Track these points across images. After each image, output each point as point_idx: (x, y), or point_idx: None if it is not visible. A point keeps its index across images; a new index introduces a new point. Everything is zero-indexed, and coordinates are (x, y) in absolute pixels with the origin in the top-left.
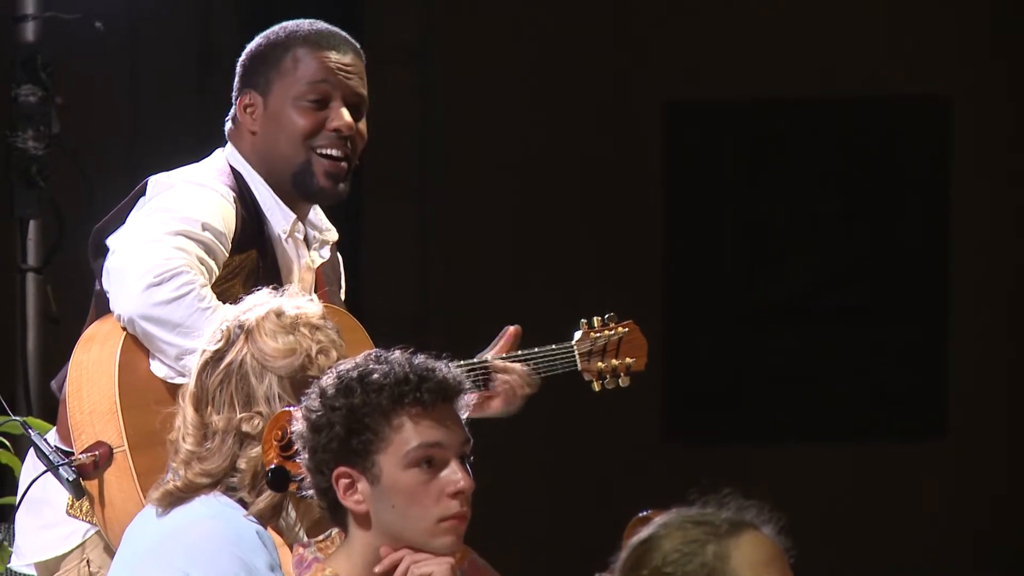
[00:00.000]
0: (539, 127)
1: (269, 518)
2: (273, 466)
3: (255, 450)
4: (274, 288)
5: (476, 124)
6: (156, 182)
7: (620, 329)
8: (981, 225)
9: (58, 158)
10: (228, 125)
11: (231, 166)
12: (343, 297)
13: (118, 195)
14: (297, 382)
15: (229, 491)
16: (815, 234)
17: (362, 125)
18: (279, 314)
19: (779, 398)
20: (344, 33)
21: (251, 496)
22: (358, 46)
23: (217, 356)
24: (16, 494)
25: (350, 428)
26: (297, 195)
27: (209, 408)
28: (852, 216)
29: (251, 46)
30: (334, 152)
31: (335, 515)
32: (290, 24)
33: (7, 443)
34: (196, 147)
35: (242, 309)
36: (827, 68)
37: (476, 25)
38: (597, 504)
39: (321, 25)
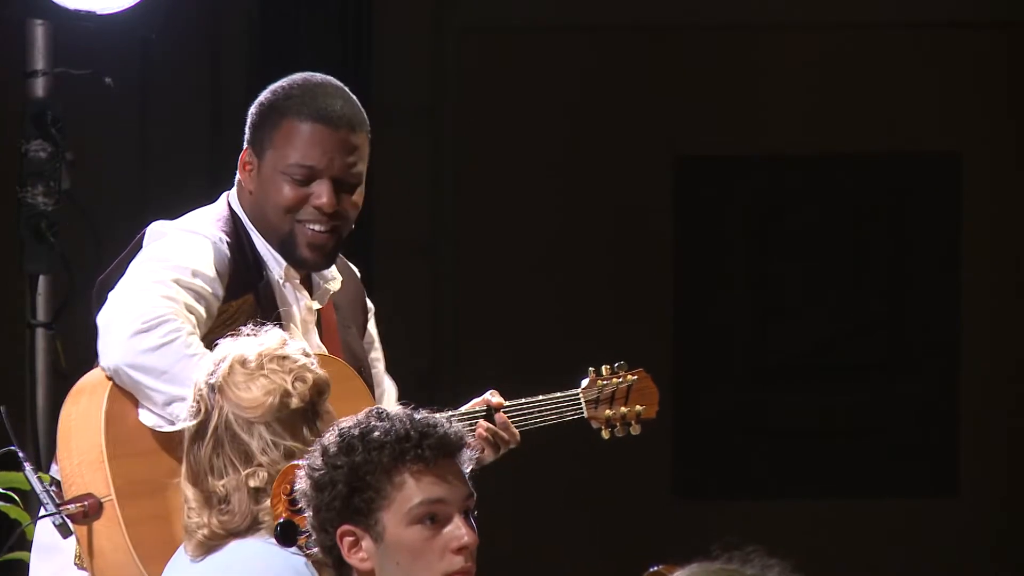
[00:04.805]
0: (550, 183)
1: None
2: (282, 520)
3: (268, 501)
4: (233, 334)
5: (487, 181)
6: (151, 231)
7: (629, 377)
8: (992, 281)
9: (68, 213)
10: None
11: (232, 210)
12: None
13: None
14: (285, 420)
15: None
16: (826, 290)
17: (355, 196)
18: (243, 362)
19: (787, 454)
20: (345, 98)
21: None
22: (358, 109)
23: (200, 428)
24: (27, 549)
25: (352, 486)
26: (283, 259)
27: (210, 478)
28: (863, 272)
29: (261, 97)
30: (318, 227)
31: (340, 572)
32: (297, 81)
33: (16, 498)
34: (207, 202)
35: (208, 372)
36: (838, 124)
37: (488, 86)
38: (604, 558)
39: (324, 88)
